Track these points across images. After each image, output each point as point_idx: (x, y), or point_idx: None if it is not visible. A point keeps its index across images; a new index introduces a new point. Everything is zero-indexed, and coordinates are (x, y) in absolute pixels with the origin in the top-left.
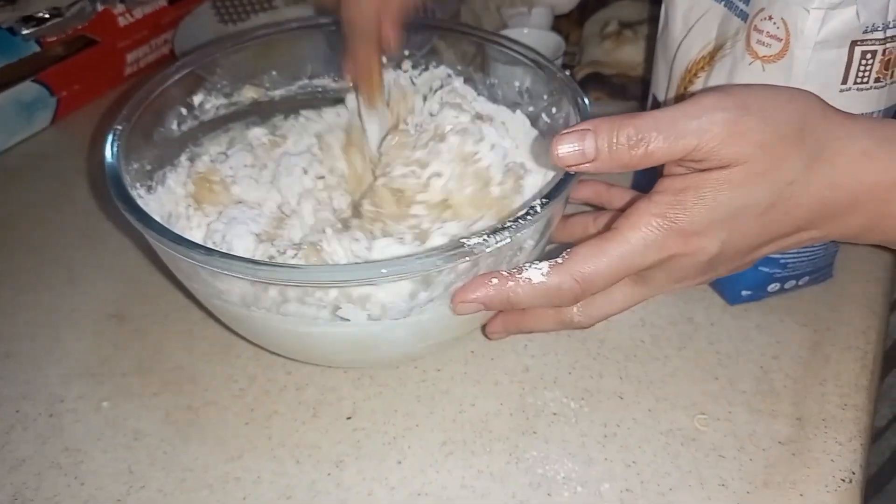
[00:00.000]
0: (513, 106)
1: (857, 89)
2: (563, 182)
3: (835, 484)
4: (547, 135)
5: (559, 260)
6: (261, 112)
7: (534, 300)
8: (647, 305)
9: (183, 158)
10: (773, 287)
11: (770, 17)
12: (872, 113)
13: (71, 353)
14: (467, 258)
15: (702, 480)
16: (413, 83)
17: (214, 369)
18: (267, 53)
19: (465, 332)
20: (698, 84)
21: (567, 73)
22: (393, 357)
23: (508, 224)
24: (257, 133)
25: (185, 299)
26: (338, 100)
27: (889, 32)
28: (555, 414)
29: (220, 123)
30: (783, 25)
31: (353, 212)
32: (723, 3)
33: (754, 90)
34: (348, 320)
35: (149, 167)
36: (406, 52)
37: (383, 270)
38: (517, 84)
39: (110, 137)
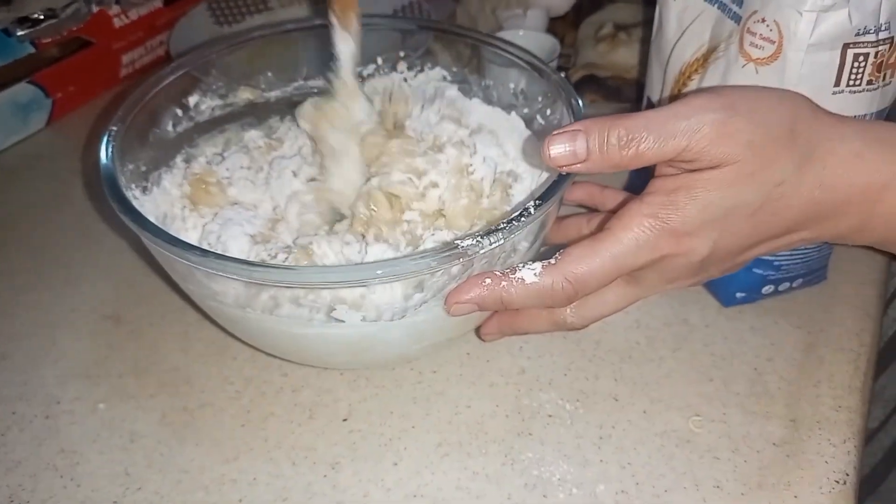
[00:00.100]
0: (508, 108)
1: (850, 91)
2: (557, 183)
3: (829, 485)
4: (541, 136)
5: (552, 261)
6: (256, 113)
7: (527, 300)
8: (641, 307)
9: (178, 159)
10: (767, 289)
11: (763, 20)
12: (865, 115)
13: (67, 354)
14: (461, 259)
15: (696, 482)
16: (408, 84)
17: (210, 371)
18: (262, 54)
19: (460, 333)
20: (692, 86)
21: (562, 75)
22: (388, 358)
23: (502, 225)
24: (254, 136)
25: (181, 301)
26: None
27: (881, 35)
28: (550, 416)
29: (215, 124)
30: (776, 28)
31: (341, 215)
32: (716, 5)
33: (745, 91)
34: (343, 322)
35: (144, 168)
36: (402, 54)
37: (378, 272)
38: (512, 86)
39: (105, 138)
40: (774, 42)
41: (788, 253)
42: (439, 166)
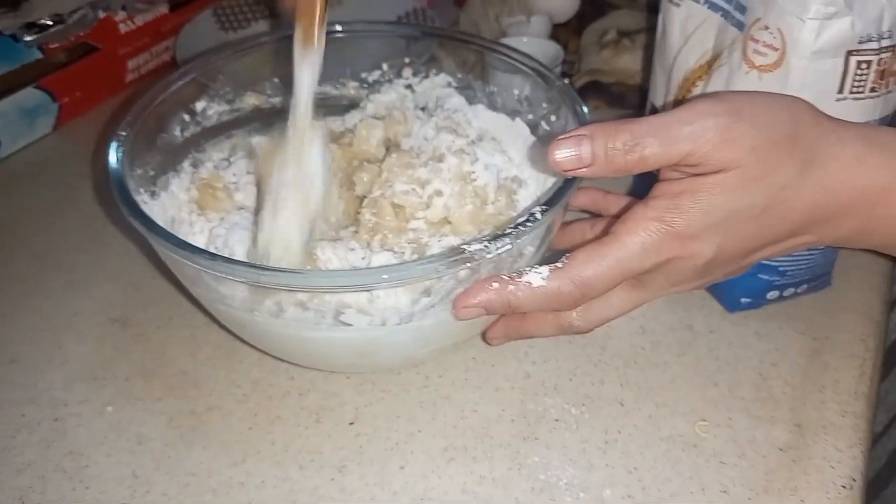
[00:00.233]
0: (512, 114)
1: (853, 98)
2: (563, 189)
3: (835, 490)
4: (545, 142)
5: (559, 264)
6: (262, 118)
7: (534, 304)
8: (646, 312)
9: (186, 164)
10: (771, 294)
11: (766, 27)
12: (868, 122)
13: (74, 357)
14: (468, 264)
15: (703, 486)
16: (413, 91)
17: (218, 374)
18: (269, 61)
19: (466, 337)
20: (696, 92)
21: (566, 81)
22: (394, 362)
23: (509, 230)
24: (260, 141)
25: (188, 304)
26: (340, 107)
27: (884, 42)
28: (556, 420)
29: (222, 129)
30: (779, 35)
31: (345, 221)
32: (720, 13)
33: (747, 97)
34: (350, 325)
35: (152, 173)
36: (406, 60)
37: (384, 276)
38: (517, 92)
39: (114, 143)
40: (778, 49)
41: (793, 258)
42: (441, 174)
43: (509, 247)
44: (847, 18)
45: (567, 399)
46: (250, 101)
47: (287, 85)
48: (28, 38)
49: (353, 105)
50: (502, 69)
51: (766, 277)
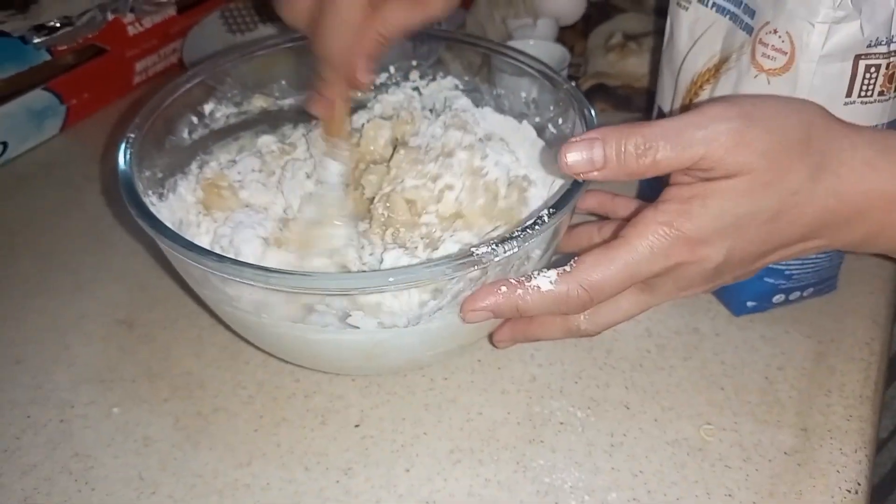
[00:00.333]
0: (519, 116)
1: (861, 102)
2: (571, 192)
3: (841, 494)
4: (553, 145)
5: (567, 268)
6: (270, 120)
7: (542, 308)
8: (652, 316)
9: (193, 166)
10: (777, 298)
11: (775, 31)
12: (876, 126)
13: (80, 358)
14: (476, 267)
15: (708, 490)
16: (420, 94)
17: (223, 376)
18: (276, 63)
19: (472, 340)
20: (704, 96)
21: (573, 84)
22: (401, 365)
23: (516, 234)
24: (267, 141)
25: (193, 305)
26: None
27: (892, 46)
28: (561, 423)
29: (230, 132)
30: (788, 39)
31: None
32: (728, 16)
33: (759, 101)
34: (358, 328)
35: (160, 175)
36: (414, 63)
37: (391, 279)
38: (524, 95)
39: (123, 145)
40: (786, 53)
41: (799, 262)
42: (452, 169)
43: (516, 250)
44: (856, 22)
45: (573, 402)
46: (258, 103)
47: (294, 88)
48: (37, 40)
49: (360, 106)
50: (509, 72)
51: (772, 281)
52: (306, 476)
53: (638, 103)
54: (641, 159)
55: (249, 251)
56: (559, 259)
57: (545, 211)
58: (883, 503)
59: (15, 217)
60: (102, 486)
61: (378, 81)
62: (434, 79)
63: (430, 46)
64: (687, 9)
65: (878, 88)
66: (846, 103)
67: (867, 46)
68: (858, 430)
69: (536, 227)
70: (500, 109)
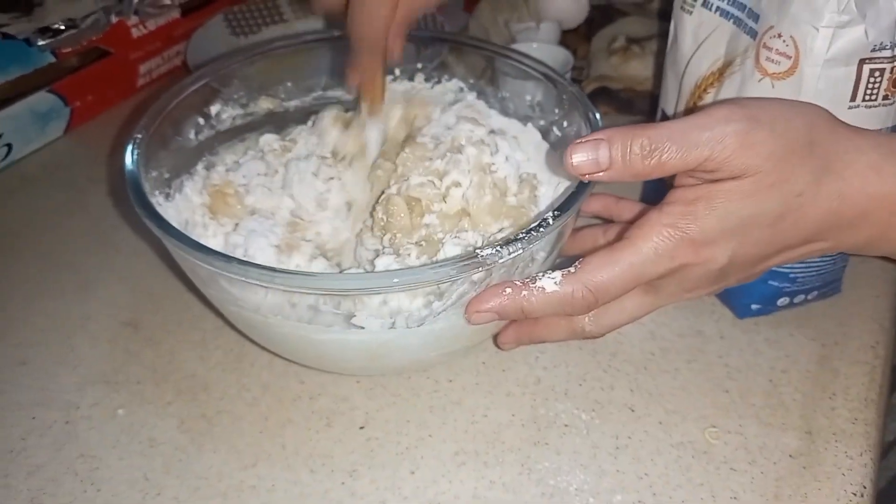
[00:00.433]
0: (524, 119)
1: (866, 107)
2: (576, 194)
3: (846, 497)
4: (558, 148)
5: (572, 269)
6: (275, 122)
7: (547, 309)
8: (656, 318)
9: (199, 167)
10: (782, 301)
11: (779, 35)
12: (880, 130)
13: (85, 360)
14: (480, 269)
15: (713, 493)
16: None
17: (228, 378)
18: (282, 65)
19: (477, 341)
20: (708, 99)
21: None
22: (405, 365)
23: (521, 235)
24: (269, 139)
25: (198, 308)
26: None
27: None
28: (566, 425)
29: (235, 133)
30: (792, 43)
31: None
32: (732, 20)
33: (765, 103)
34: (362, 328)
35: (167, 175)
36: (419, 66)
37: (395, 280)
38: (528, 98)
39: (130, 146)
40: (791, 57)
41: (803, 265)
42: (460, 166)
43: (521, 252)
44: (860, 27)
45: (577, 404)
46: (264, 105)
47: (300, 89)
48: (41, 43)
49: None
50: (513, 75)
51: (776, 284)
52: (311, 478)
53: (641, 107)
54: (647, 160)
55: (263, 260)
56: (563, 262)
57: (550, 213)
58: None
59: (19, 218)
60: (107, 487)
61: None
62: (439, 81)
63: (434, 50)
64: (691, 13)
65: (882, 92)
66: (850, 107)
67: (871, 51)
68: (863, 433)
69: (541, 229)
70: (504, 112)
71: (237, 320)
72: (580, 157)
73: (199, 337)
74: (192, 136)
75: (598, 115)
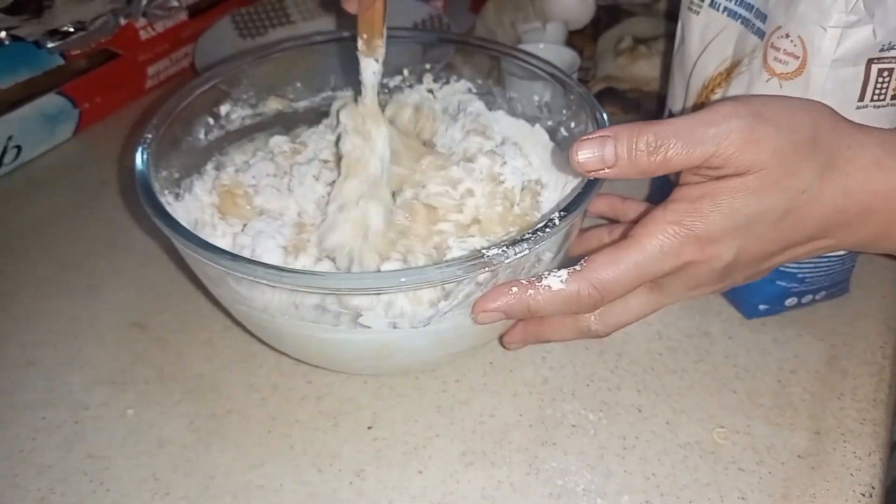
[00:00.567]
0: (532, 120)
1: (874, 107)
2: (582, 195)
3: (855, 498)
4: (565, 148)
5: (577, 267)
6: (285, 122)
7: (553, 307)
8: (663, 318)
9: (209, 167)
10: (790, 301)
11: (787, 35)
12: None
13: (94, 361)
14: (486, 269)
15: (721, 493)
16: (434, 96)
17: (236, 378)
18: (291, 66)
19: (484, 341)
20: (715, 99)
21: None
22: (412, 365)
23: (527, 236)
24: (278, 141)
25: (206, 308)
26: None
27: None
28: (573, 426)
29: (245, 133)
30: (800, 43)
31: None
32: (739, 20)
33: (769, 100)
34: (369, 328)
35: (176, 175)
36: (427, 66)
37: (402, 280)
38: (536, 98)
39: (140, 146)
40: (798, 57)
41: (811, 265)
42: (473, 174)
43: (527, 252)
44: (868, 27)
45: (584, 405)
46: (273, 105)
47: (309, 90)
48: (50, 45)
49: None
50: (520, 75)
51: (784, 284)
52: (319, 478)
53: (647, 106)
54: (653, 156)
55: (270, 260)
56: (569, 262)
57: (556, 214)
58: None
59: (29, 220)
60: (117, 487)
61: (392, 84)
62: (447, 82)
63: (441, 50)
64: (698, 13)
65: (890, 92)
66: (858, 107)
67: (880, 50)
68: (872, 433)
69: (548, 229)
70: (512, 112)
71: (245, 319)
72: (586, 154)
73: (207, 337)
74: (201, 135)
75: (605, 116)
